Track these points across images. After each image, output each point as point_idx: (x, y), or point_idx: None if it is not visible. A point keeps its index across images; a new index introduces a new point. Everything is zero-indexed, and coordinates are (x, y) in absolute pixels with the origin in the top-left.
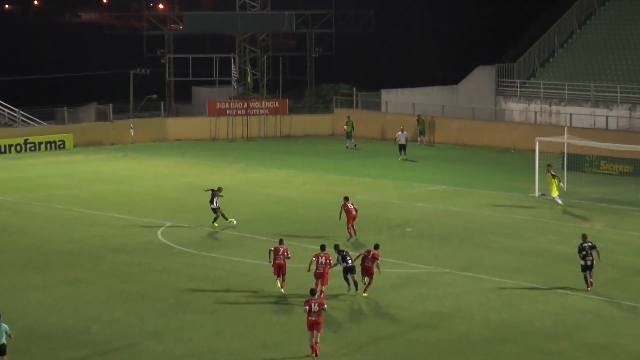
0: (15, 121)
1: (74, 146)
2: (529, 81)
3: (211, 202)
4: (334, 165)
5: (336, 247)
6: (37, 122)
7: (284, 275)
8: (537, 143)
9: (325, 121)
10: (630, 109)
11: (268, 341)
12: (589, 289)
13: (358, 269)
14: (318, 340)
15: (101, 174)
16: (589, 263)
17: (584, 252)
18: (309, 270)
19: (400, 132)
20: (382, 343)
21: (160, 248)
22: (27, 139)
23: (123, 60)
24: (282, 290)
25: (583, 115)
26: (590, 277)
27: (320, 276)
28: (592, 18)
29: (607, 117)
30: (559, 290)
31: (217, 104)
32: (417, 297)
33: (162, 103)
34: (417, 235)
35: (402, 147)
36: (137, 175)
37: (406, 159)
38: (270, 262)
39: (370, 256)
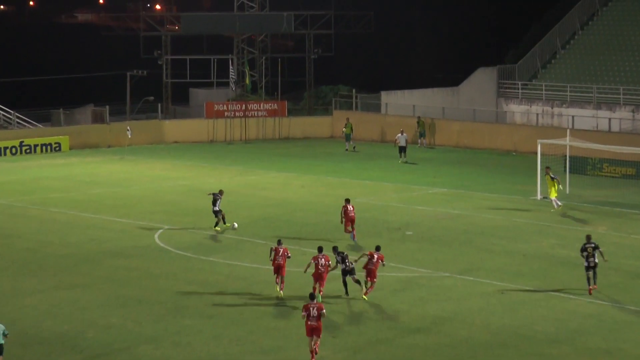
0: (10, 123)
1: (70, 148)
2: (530, 83)
3: (214, 204)
4: (333, 167)
5: (335, 248)
6: (33, 124)
7: (282, 277)
8: (539, 145)
9: (324, 123)
10: (633, 111)
11: (266, 346)
12: (591, 287)
13: (360, 271)
14: (317, 346)
15: (97, 176)
16: (591, 264)
17: (585, 253)
18: (305, 272)
19: (400, 134)
20: (381, 347)
21: (157, 252)
22: (22, 141)
23: (120, 61)
24: (282, 293)
25: (585, 117)
26: (595, 281)
27: (319, 278)
28: (594, 19)
29: (609, 119)
30: (560, 295)
31: (215, 105)
32: (417, 301)
33: (159, 105)
34: (417, 238)
35: (402, 150)
36: (133, 178)
37: (406, 162)
38: (271, 259)
39: (374, 259)
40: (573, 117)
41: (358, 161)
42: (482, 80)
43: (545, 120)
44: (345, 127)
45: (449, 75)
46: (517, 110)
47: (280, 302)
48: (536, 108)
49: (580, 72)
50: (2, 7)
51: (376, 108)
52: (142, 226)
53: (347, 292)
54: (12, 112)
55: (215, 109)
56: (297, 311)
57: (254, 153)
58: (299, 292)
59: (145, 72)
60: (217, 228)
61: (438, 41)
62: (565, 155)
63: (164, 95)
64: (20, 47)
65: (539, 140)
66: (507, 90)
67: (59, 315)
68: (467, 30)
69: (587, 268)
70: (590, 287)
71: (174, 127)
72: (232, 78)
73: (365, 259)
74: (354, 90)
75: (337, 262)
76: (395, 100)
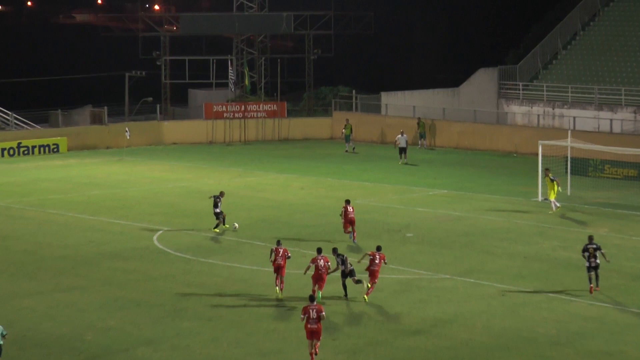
0: (8, 124)
1: (68, 150)
2: (531, 83)
3: (215, 206)
4: (333, 169)
5: (334, 250)
6: (31, 125)
7: (282, 277)
8: (540, 147)
9: (324, 124)
10: (634, 112)
11: (266, 349)
12: (592, 286)
13: (363, 272)
14: (317, 347)
15: (96, 178)
16: (592, 264)
17: (587, 253)
18: (305, 273)
19: (400, 135)
20: (381, 349)
21: (156, 254)
22: (20, 143)
23: (118, 62)
24: (281, 294)
25: (587, 118)
26: (597, 283)
27: (319, 279)
28: (595, 19)
29: (611, 120)
30: (562, 297)
31: (214, 106)
32: (418, 303)
33: (157, 106)
34: (417, 240)
35: (402, 151)
36: (132, 179)
37: (406, 163)
38: (271, 260)
39: (377, 260)
40: (574, 118)
41: (358, 162)
42: (483, 81)
43: (547, 121)
44: (344, 128)
45: (450, 76)
46: (518, 111)
47: (279, 304)
48: (537, 109)
49: (582, 73)
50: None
51: (376, 109)
52: (140, 228)
53: (346, 295)
54: (9, 113)
55: (214, 110)
56: (296, 313)
57: (253, 154)
58: (299, 293)
59: (143, 72)
60: (216, 230)
61: (438, 42)
62: (567, 157)
63: (162, 96)
64: (18, 48)
65: (540, 142)
66: (508, 91)
67: (57, 317)
68: (468, 31)
69: (589, 268)
70: (592, 285)
71: (173, 128)
72: (231, 79)
73: (367, 260)
74: (353, 91)
75: (338, 264)
76: (395, 101)
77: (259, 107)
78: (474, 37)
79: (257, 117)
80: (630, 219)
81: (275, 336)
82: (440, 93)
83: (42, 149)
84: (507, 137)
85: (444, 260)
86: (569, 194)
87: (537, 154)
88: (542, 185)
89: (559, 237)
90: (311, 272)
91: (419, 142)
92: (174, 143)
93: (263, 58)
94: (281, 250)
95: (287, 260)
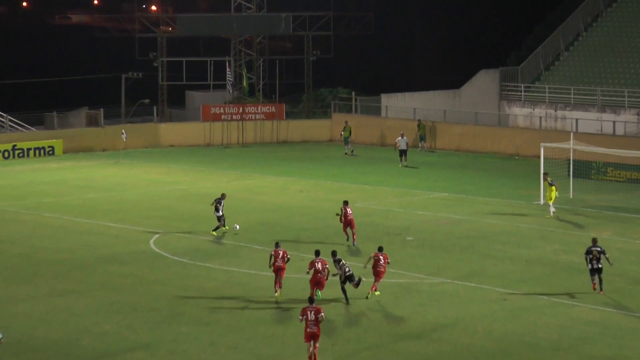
0: (2, 126)
1: (64, 152)
2: (533, 85)
3: (216, 210)
4: (332, 171)
5: (333, 254)
6: (26, 128)
7: (281, 278)
8: (542, 149)
9: (323, 126)
10: (638, 114)
11: (264, 353)
12: (595, 283)
13: (366, 275)
14: (316, 351)
15: (92, 181)
16: (594, 266)
17: (590, 256)
18: (307, 273)
19: (400, 138)
20: (381, 354)
21: (153, 258)
22: (15, 145)
23: (114, 63)
24: (277, 295)
25: (589, 120)
26: (601, 287)
27: (317, 283)
28: (598, 20)
29: (614, 122)
30: (564, 301)
31: (212, 108)
32: (418, 308)
33: (154, 108)
34: (418, 244)
35: (402, 153)
36: (129, 182)
37: (407, 166)
38: (270, 266)
39: (382, 261)
40: (577, 120)
41: (358, 165)
42: (484, 82)
43: (549, 123)
44: (343, 131)
45: (450, 77)
46: (519, 113)
47: (278, 308)
48: (539, 111)
49: (584, 75)
50: None
51: (376, 111)
52: (137, 231)
53: (347, 300)
54: (4, 115)
55: (212, 112)
56: (295, 318)
57: (251, 157)
58: (298, 297)
59: (140, 74)
60: (214, 232)
61: (439, 43)
62: (569, 159)
63: (159, 97)
64: (13, 49)
65: (542, 144)
66: (510, 92)
67: (53, 322)
68: (469, 32)
69: (592, 271)
70: (595, 282)
71: (170, 131)
72: (229, 80)
73: (371, 263)
74: (353, 93)
75: (337, 269)
76: (395, 103)
77: (257, 109)
78: (475, 38)
79: (255, 119)
80: (634, 222)
81: (274, 341)
82: (441, 95)
83: (37, 151)
84: (508, 140)
85: (445, 264)
86: (571, 196)
87: (539, 157)
88: (543, 188)
89: (561, 241)
90: (309, 276)
91: (420, 144)
92: (171, 145)
93: (261, 59)
94: (281, 252)
95: (286, 263)
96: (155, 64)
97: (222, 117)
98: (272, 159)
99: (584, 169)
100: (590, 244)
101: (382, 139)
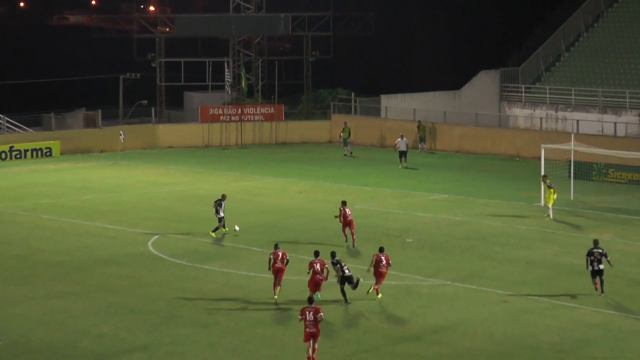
0: (0, 128)
1: (62, 154)
2: (534, 86)
3: (217, 212)
4: (332, 173)
5: (332, 254)
6: (23, 129)
7: (280, 280)
8: (542, 150)
9: (322, 128)
10: (639, 115)
11: (263, 355)
12: (597, 283)
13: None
14: (315, 352)
15: (90, 182)
16: (595, 268)
17: (592, 257)
18: (308, 273)
19: (400, 139)
20: (380, 357)
21: (151, 259)
22: (12, 146)
23: (112, 64)
24: (276, 297)
25: (590, 121)
26: (602, 289)
27: (316, 285)
28: (599, 20)
29: (615, 123)
30: (565, 303)
31: (210, 109)
32: (418, 310)
33: (152, 109)
34: (417, 246)
35: (402, 155)
36: (127, 183)
37: (406, 167)
38: (270, 268)
39: (384, 262)
40: (578, 121)
41: (357, 166)
42: (485, 83)
43: (549, 124)
44: (343, 132)
45: (451, 78)
46: (520, 114)
47: (277, 310)
48: (540, 112)
49: (585, 75)
50: None
51: (376, 112)
52: (135, 233)
53: (346, 301)
54: (1, 116)
55: (211, 113)
56: (294, 320)
57: (250, 158)
58: (297, 299)
59: (138, 75)
60: (212, 234)
61: (439, 43)
62: (570, 161)
63: (157, 99)
64: (11, 50)
65: (542, 145)
66: (510, 93)
67: (50, 324)
68: (469, 32)
69: (592, 273)
70: (596, 282)
71: (168, 132)
72: (228, 81)
73: (374, 265)
74: (352, 94)
75: (335, 269)
76: (395, 104)
77: (256, 110)
78: (475, 39)
79: (254, 121)
80: (635, 224)
81: (273, 343)
82: (441, 96)
83: (34, 152)
84: (509, 141)
85: (445, 266)
86: (572, 198)
87: (539, 158)
88: (544, 190)
89: (561, 243)
90: (309, 276)
91: (419, 145)
92: (170, 147)
93: (260, 60)
94: (280, 254)
95: (285, 265)
96: (153, 65)
97: (221, 118)
98: (271, 160)
99: (585, 171)
100: (591, 245)
101: (381, 140)
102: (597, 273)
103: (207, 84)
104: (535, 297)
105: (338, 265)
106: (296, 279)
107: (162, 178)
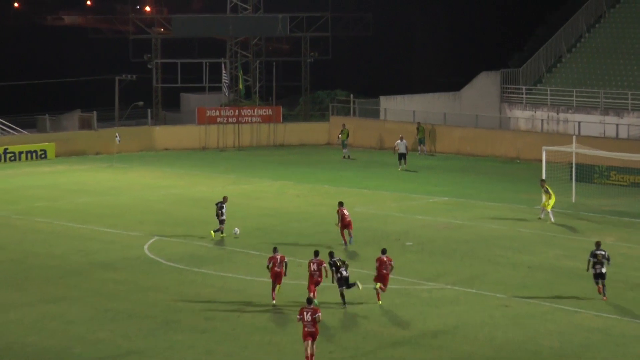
0: None
1: (56, 156)
2: (535, 87)
3: (218, 214)
4: (330, 176)
5: (331, 254)
6: (17, 131)
7: (279, 285)
8: (543, 153)
9: (320, 130)
10: None
11: None
12: (600, 287)
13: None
14: (314, 352)
15: (85, 185)
16: (598, 271)
17: (595, 259)
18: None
19: (399, 141)
20: None
21: (147, 264)
22: (6, 149)
23: (108, 65)
24: (274, 301)
25: (592, 123)
26: (604, 292)
27: (314, 284)
28: (601, 21)
29: (617, 125)
30: (567, 308)
31: (207, 111)
32: (418, 315)
33: (149, 110)
34: (417, 249)
35: (401, 157)
36: (122, 186)
37: (406, 169)
38: (268, 267)
39: (387, 263)
40: (579, 123)
41: (356, 169)
42: (485, 84)
43: (551, 126)
44: (341, 134)
45: (451, 79)
46: (521, 116)
47: (275, 315)
48: (541, 114)
49: (587, 77)
50: None
51: (375, 114)
52: (131, 236)
53: (344, 303)
54: None
55: (208, 114)
56: (292, 325)
57: (247, 161)
58: (295, 303)
59: (134, 76)
60: (213, 233)
61: (439, 44)
62: (571, 163)
63: (154, 100)
64: (4, 50)
65: (543, 147)
66: (511, 95)
67: (45, 329)
68: (469, 33)
69: (595, 275)
70: (599, 286)
71: (165, 134)
72: (225, 83)
73: (377, 267)
74: (351, 96)
75: (333, 271)
76: (394, 106)
77: (253, 112)
78: (475, 39)
79: (251, 122)
80: (638, 227)
81: (271, 348)
82: (441, 97)
83: (29, 155)
84: (510, 143)
85: (445, 270)
86: (573, 201)
87: (541, 160)
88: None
89: (563, 246)
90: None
91: (419, 147)
92: (166, 149)
93: (258, 61)
94: (279, 257)
95: (285, 268)
96: (149, 66)
97: (218, 120)
98: (268, 162)
99: (587, 173)
100: (593, 248)
101: (380, 142)
102: (599, 276)
103: (204, 85)
104: (537, 301)
105: (334, 268)
106: (295, 283)
107: (159, 181)
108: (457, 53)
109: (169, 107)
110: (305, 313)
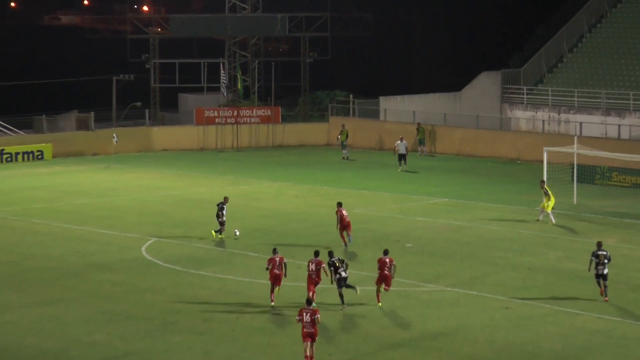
0: None
1: (53, 157)
2: (536, 88)
3: (218, 215)
4: (330, 176)
5: (330, 254)
6: (14, 131)
7: (278, 287)
8: (545, 153)
9: (320, 130)
10: None
11: None
12: (602, 289)
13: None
14: (313, 353)
15: (82, 186)
16: (600, 272)
17: (597, 260)
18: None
19: (399, 142)
20: None
21: (145, 265)
22: (3, 149)
23: (105, 65)
24: (273, 303)
25: (593, 123)
26: (606, 293)
27: (313, 284)
28: (602, 21)
29: (619, 125)
30: (568, 310)
31: (206, 112)
32: (418, 317)
33: (146, 111)
34: (417, 251)
35: (401, 158)
36: (120, 187)
37: (406, 170)
38: (268, 272)
39: (388, 264)
40: (581, 123)
41: (355, 170)
42: (486, 85)
43: (552, 127)
44: (340, 134)
45: (451, 79)
46: (522, 116)
47: (274, 317)
48: (542, 114)
49: (588, 77)
50: None
51: (374, 114)
52: (129, 238)
53: (343, 303)
54: None
55: (206, 115)
56: (291, 327)
57: (246, 161)
58: (294, 305)
59: (132, 76)
60: (213, 233)
61: (439, 44)
62: (573, 164)
63: (151, 100)
64: (1, 51)
65: (545, 148)
66: (512, 95)
67: (42, 331)
68: (470, 33)
69: (597, 276)
70: (602, 288)
71: (163, 134)
72: (224, 83)
73: (379, 268)
74: (351, 96)
75: (331, 271)
76: (394, 106)
77: (252, 113)
78: (476, 39)
79: (250, 123)
80: (639, 228)
81: (270, 350)
82: (441, 97)
83: (25, 155)
84: (510, 144)
85: (445, 271)
86: (575, 202)
87: (542, 161)
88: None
89: (564, 248)
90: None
91: (419, 148)
92: (164, 149)
93: (256, 61)
94: (278, 259)
95: (285, 269)
96: (147, 66)
97: (216, 120)
98: (267, 163)
99: (588, 174)
100: (594, 249)
101: (380, 143)
102: (601, 277)
103: (202, 85)
104: (537, 303)
105: (332, 268)
106: (294, 285)
107: (157, 182)
108: (457, 53)
109: (167, 108)
110: (304, 314)
